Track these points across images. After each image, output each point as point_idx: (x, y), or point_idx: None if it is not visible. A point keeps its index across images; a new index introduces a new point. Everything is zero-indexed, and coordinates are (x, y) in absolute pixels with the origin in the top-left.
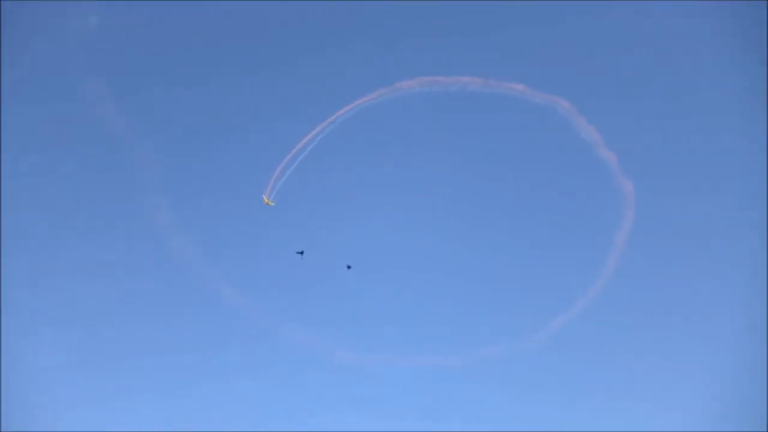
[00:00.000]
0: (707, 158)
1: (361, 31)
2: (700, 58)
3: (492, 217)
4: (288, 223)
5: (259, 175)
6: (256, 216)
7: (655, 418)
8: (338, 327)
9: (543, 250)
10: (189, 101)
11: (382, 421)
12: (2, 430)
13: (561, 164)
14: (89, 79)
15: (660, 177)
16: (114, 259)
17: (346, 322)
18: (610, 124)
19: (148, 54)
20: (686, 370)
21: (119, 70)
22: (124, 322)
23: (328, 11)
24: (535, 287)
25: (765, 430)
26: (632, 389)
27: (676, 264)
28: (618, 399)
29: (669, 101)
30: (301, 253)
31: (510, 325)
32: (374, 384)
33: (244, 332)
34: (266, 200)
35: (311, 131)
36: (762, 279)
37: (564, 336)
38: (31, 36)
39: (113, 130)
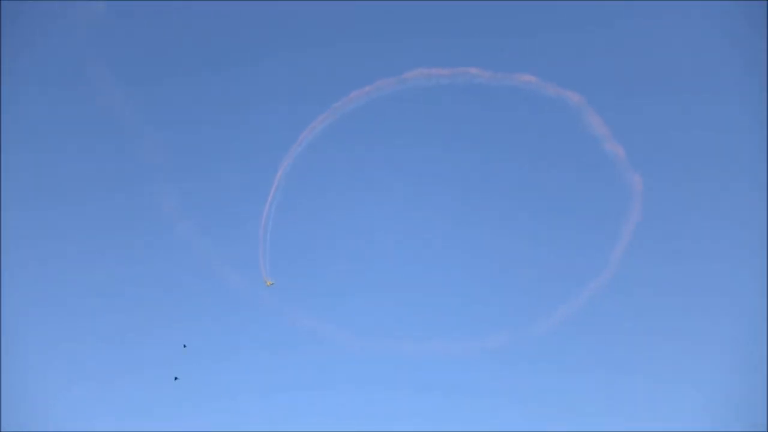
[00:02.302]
0: (711, 152)
1: (370, 23)
2: (706, 54)
3: (500, 206)
4: (293, 209)
5: (262, 161)
6: (261, 200)
7: (655, 419)
8: (346, 312)
9: (547, 242)
10: (195, 89)
11: (388, 405)
12: (2, 430)
13: (571, 155)
14: (94, 67)
15: (667, 170)
16: (119, 245)
17: (353, 306)
18: (619, 117)
19: (154, 43)
20: (686, 371)
21: (125, 58)
22: (127, 311)
23: (338, 4)
24: (537, 280)
25: (765, 430)
26: (631, 390)
27: (676, 264)
28: (616, 399)
29: (673, 96)
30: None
31: (514, 315)
32: (381, 369)
33: (250, 317)
34: (267, 282)
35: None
36: (763, 279)
37: (558, 334)
38: (36, 25)
39: (119, 117)
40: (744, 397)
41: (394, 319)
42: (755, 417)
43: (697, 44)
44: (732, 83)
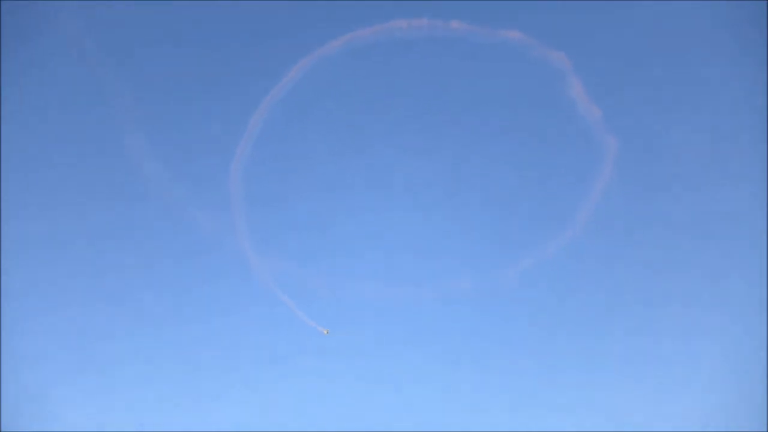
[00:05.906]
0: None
1: None
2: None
3: (475, 159)
4: (270, 157)
5: (237, 107)
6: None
7: (655, 419)
8: (323, 257)
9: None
10: (168, 31)
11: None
12: (2, 430)
13: (551, 114)
14: (63, 16)
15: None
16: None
17: (330, 251)
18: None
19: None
20: (685, 371)
21: (106, 21)
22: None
23: None
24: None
25: (765, 430)
26: (629, 391)
27: (668, 260)
28: (615, 400)
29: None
30: None
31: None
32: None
33: (221, 264)
34: (324, 331)
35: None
36: (763, 268)
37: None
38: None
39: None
40: (744, 397)
41: (365, 266)
42: (755, 417)
43: (692, 26)
44: (726, 66)
